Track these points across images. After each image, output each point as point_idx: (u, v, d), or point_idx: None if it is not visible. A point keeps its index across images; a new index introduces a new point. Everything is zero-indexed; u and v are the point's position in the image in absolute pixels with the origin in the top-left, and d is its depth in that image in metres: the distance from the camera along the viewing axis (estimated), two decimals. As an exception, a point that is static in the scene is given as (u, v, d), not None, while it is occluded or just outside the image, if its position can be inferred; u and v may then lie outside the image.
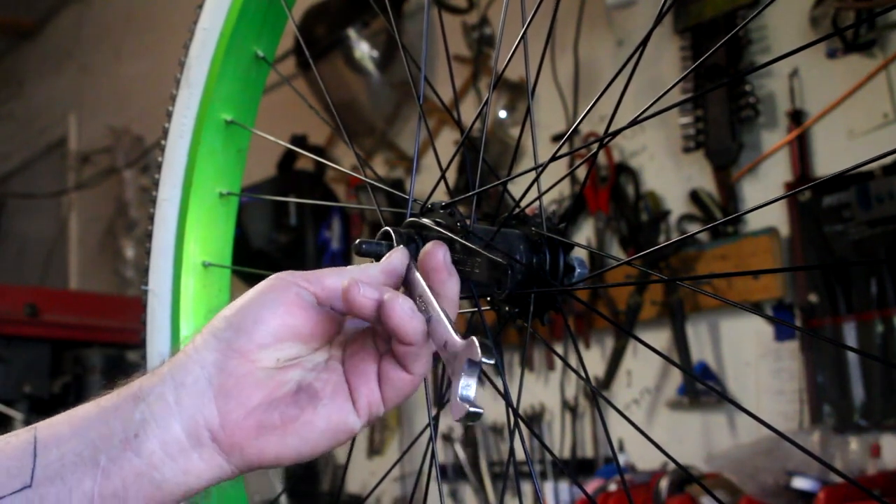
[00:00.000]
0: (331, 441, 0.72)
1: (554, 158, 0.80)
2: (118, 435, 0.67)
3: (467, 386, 0.67)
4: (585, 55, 2.87)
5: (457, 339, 0.69)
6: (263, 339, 0.70)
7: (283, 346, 0.71)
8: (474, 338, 0.67)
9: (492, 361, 0.67)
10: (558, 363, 2.81)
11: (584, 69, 2.87)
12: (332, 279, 0.74)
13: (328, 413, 0.71)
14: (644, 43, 0.74)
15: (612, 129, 0.77)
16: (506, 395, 0.80)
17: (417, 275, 0.74)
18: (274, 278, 0.73)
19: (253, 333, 0.70)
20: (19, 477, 0.66)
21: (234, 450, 0.70)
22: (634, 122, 0.77)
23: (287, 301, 0.71)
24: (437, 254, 0.74)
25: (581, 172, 2.77)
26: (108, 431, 0.68)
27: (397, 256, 0.76)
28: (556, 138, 2.86)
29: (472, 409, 0.67)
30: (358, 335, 0.76)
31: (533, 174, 0.80)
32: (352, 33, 3.29)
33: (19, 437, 0.68)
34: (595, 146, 0.80)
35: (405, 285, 0.76)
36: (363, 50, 3.32)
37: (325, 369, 0.74)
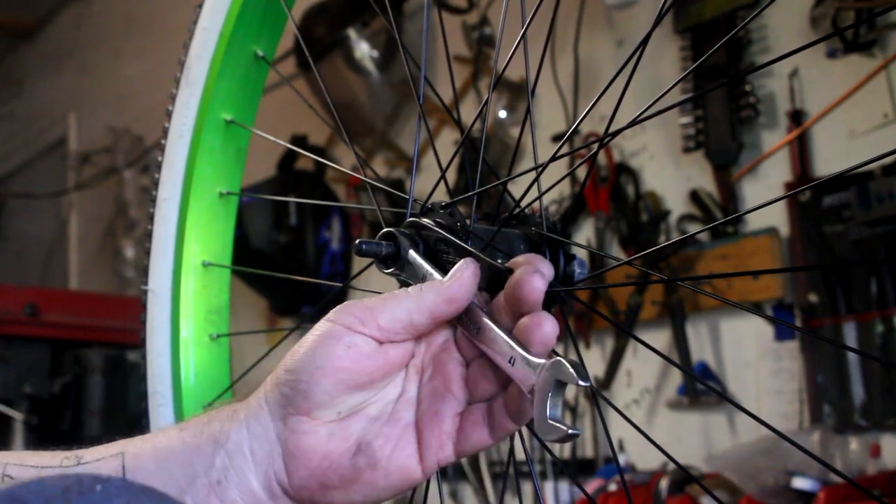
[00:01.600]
0: (393, 493, 0.72)
1: (554, 158, 0.80)
2: (201, 478, 0.68)
3: (555, 406, 0.66)
4: (585, 55, 2.87)
5: (533, 358, 0.67)
6: (320, 398, 0.69)
7: (343, 399, 0.70)
8: (561, 358, 0.66)
9: (588, 383, 0.65)
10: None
11: (584, 69, 2.87)
12: (386, 316, 0.69)
13: (387, 474, 0.70)
14: (644, 43, 0.74)
15: (612, 129, 0.77)
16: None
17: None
18: (325, 327, 0.70)
19: (309, 393, 0.69)
20: None
21: (305, 501, 0.71)
22: (634, 123, 0.77)
23: (339, 355, 0.68)
24: (536, 286, 0.68)
25: (581, 172, 2.77)
26: (192, 472, 0.69)
27: (468, 278, 0.70)
28: (557, 138, 2.86)
29: (571, 431, 0.65)
30: (443, 360, 0.73)
31: (533, 174, 0.80)
32: (352, 33, 3.29)
33: (107, 462, 0.69)
34: (595, 146, 0.80)
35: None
36: (363, 50, 3.32)
37: (391, 418, 0.71)
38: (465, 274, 0.69)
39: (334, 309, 0.71)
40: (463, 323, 0.72)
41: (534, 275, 0.68)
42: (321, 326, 0.70)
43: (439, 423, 0.71)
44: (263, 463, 0.69)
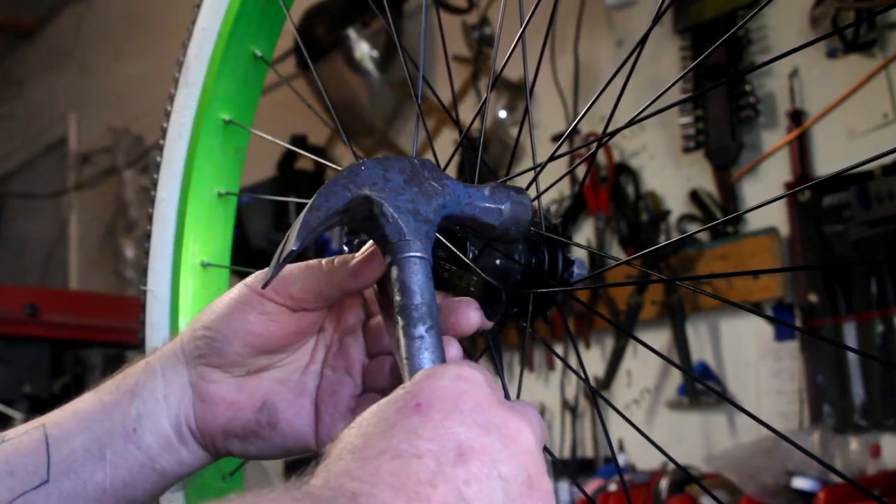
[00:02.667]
0: (287, 453, 0.77)
1: (553, 158, 0.80)
2: (119, 430, 0.73)
3: None
4: (585, 55, 2.87)
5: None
6: (232, 357, 0.74)
7: (253, 360, 0.74)
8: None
9: None
10: (558, 363, 2.80)
11: (584, 69, 2.87)
12: (298, 286, 0.72)
13: (283, 435, 0.75)
14: (642, 42, 0.74)
15: (611, 129, 0.77)
16: (505, 396, 0.79)
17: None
18: (242, 292, 0.74)
19: (222, 351, 0.73)
20: (37, 473, 0.71)
21: (208, 444, 0.76)
22: (633, 122, 0.77)
23: (251, 321, 0.73)
24: (471, 316, 0.71)
25: (581, 172, 2.77)
26: (111, 426, 0.73)
27: (374, 254, 0.71)
28: (556, 138, 2.86)
29: None
30: (348, 344, 0.77)
31: (532, 174, 0.80)
32: (352, 33, 3.29)
33: (31, 434, 0.73)
34: (594, 146, 0.80)
35: (380, 286, 0.73)
36: (363, 50, 3.32)
37: (296, 385, 0.76)
38: (369, 249, 0.71)
39: (252, 274, 0.75)
40: (385, 310, 0.73)
41: (470, 306, 0.71)
42: (238, 290, 0.74)
43: (335, 402, 0.75)
44: (175, 407, 0.74)
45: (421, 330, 0.66)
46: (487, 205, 0.71)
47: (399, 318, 0.66)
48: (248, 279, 0.74)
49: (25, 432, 0.74)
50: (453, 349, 0.69)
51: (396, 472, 0.52)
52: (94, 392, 0.76)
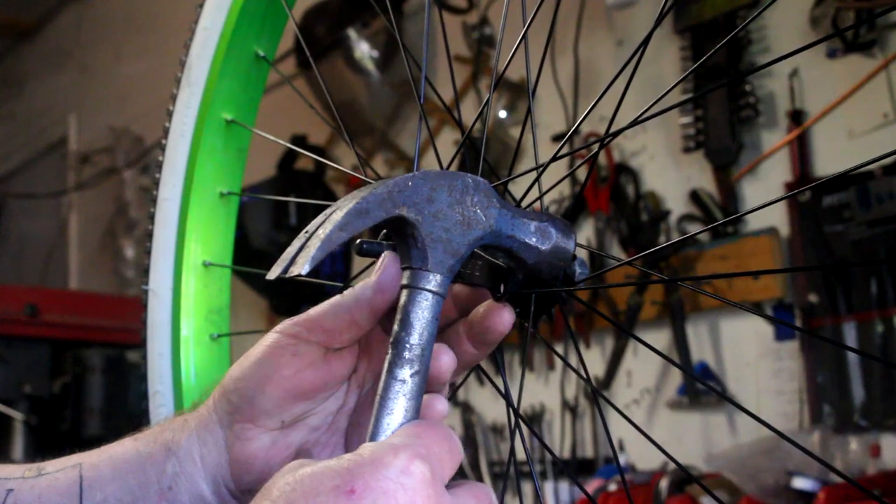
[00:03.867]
0: None
1: (555, 158, 0.80)
2: (153, 485, 0.72)
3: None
4: (586, 55, 2.87)
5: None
6: (265, 405, 0.71)
7: (286, 408, 0.72)
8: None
9: None
10: (558, 363, 2.81)
11: (585, 69, 2.87)
12: (329, 319, 0.71)
13: None
14: (644, 43, 0.74)
15: (612, 130, 0.77)
16: (506, 395, 0.80)
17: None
18: (272, 338, 0.72)
19: (254, 401, 0.71)
20: None
21: (245, 497, 0.73)
22: (634, 123, 0.77)
23: (285, 364, 0.71)
24: (504, 317, 0.70)
25: (581, 173, 2.77)
26: (145, 479, 0.72)
27: (390, 264, 0.69)
28: (557, 138, 2.86)
29: None
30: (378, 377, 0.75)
31: (534, 174, 0.80)
32: (352, 33, 3.29)
33: (66, 473, 0.72)
34: (595, 147, 0.80)
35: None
36: (363, 50, 3.32)
37: (329, 428, 0.74)
38: (386, 262, 0.69)
39: (283, 322, 0.73)
40: (384, 329, 0.72)
41: (503, 309, 0.70)
42: (270, 337, 0.72)
43: (361, 433, 0.73)
44: (212, 468, 0.73)
45: (405, 373, 0.64)
46: (529, 241, 0.69)
47: (390, 348, 0.65)
48: (279, 326, 0.72)
49: (62, 469, 0.72)
50: (438, 405, 0.67)
51: None
52: (133, 439, 0.75)
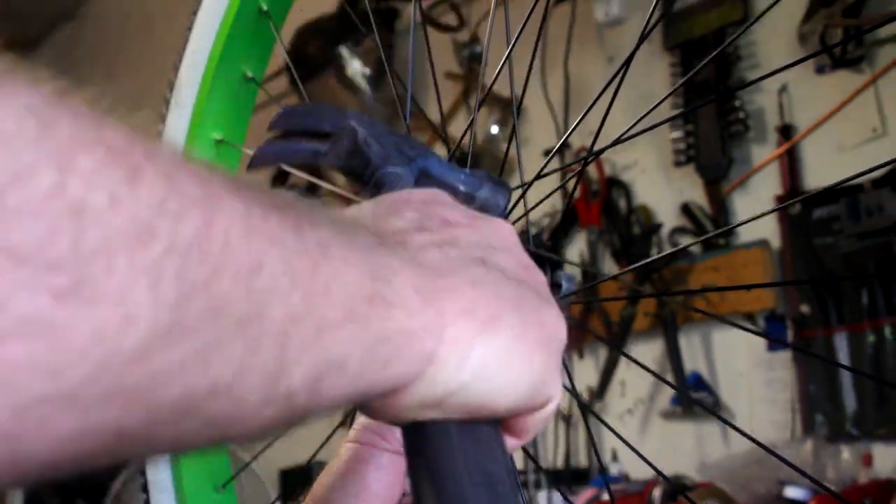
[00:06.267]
0: None
1: (539, 176, 0.81)
2: None
3: None
4: (576, 71, 2.89)
5: None
6: None
7: None
8: None
9: None
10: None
11: (575, 85, 2.89)
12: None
13: None
14: (629, 59, 0.76)
15: (602, 145, 0.79)
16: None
17: None
18: (351, 450, 0.68)
19: None
20: None
21: None
22: (622, 139, 0.79)
23: (371, 478, 0.66)
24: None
25: (571, 187, 2.79)
26: None
27: None
28: (548, 153, 2.88)
29: None
30: None
31: (520, 191, 0.81)
32: (344, 51, 3.31)
33: None
34: (583, 162, 0.81)
35: None
36: (355, 67, 3.34)
37: None
38: None
39: (353, 428, 0.69)
40: None
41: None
42: (347, 450, 0.68)
43: None
44: None
45: None
46: (462, 188, 0.68)
47: None
48: (351, 434, 0.68)
49: None
50: None
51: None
52: None
